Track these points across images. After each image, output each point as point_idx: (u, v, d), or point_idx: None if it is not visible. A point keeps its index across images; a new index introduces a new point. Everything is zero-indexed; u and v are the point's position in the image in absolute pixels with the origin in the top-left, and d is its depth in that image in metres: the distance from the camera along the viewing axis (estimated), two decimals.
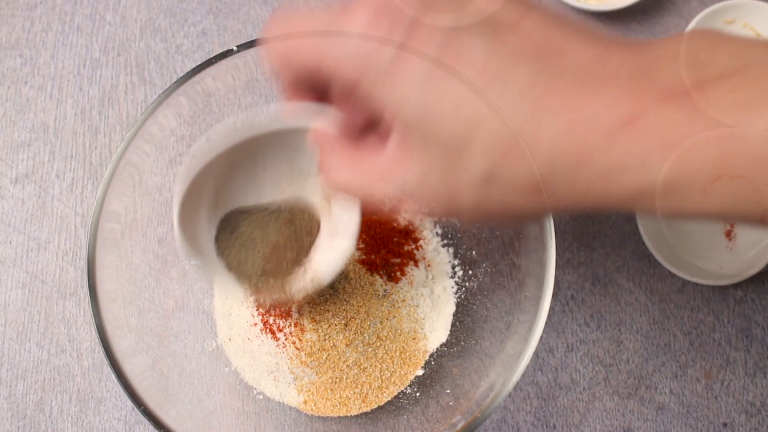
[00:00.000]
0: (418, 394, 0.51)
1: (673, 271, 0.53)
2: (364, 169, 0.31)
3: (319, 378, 0.50)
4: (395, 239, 0.53)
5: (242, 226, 0.42)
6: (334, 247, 0.42)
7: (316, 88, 0.34)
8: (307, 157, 0.40)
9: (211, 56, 0.45)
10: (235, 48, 0.45)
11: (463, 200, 0.29)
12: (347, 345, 0.50)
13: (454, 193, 0.29)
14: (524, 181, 0.27)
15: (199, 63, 0.46)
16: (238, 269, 0.43)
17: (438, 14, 0.27)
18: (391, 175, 0.30)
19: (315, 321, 0.50)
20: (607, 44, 0.27)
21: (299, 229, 0.43)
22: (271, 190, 0.43)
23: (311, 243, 0.43)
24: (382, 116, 0.31)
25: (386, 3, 0.28)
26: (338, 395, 0.50)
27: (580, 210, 0.29)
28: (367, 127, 0.34)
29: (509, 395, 0.54)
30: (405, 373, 0.51)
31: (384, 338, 0.50)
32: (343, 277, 0.51)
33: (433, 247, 0.54)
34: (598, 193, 0.27)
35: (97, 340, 0.46)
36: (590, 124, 0.26)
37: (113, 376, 0.46)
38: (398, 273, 0.52)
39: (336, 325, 0.50)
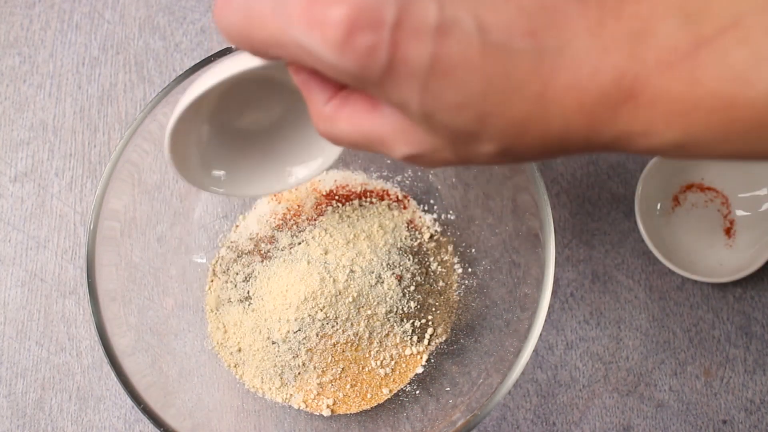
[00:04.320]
0: (417, 392, 0.51)
1: (673, 268, 0.53)
2: (369, 126, 0.30)
3: (319, 376, 0.50)
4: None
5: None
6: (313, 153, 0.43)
7: None
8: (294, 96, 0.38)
9: (210, 54, 0.45)
10: (234, 46, 0.45)
11: (474, 162, 0.30)
12: (347, 342, 0.50)
13: (463, 159, 0.30)
14: (537, 150, 0.28)
15: (198, 61, 0.46)
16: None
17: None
18: (401, 141, 0.30)
19: (315, 319, 0.50)
20: (600, 4, 0.27)
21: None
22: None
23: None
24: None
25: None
26: (338, 393, 0.50)
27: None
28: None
29: (509, 393, 0.54)
30: (405, 371, 0.51)
31: (384, 336, 0.50)
32: (347, 273, 0.51)
33: (433, 245, 0.53)
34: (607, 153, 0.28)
35: (96, 338, 0.46)
36: (599, 103, 0.26)
37: (113, 375, 0.46)
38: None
39: (335, 323, 0.50)
